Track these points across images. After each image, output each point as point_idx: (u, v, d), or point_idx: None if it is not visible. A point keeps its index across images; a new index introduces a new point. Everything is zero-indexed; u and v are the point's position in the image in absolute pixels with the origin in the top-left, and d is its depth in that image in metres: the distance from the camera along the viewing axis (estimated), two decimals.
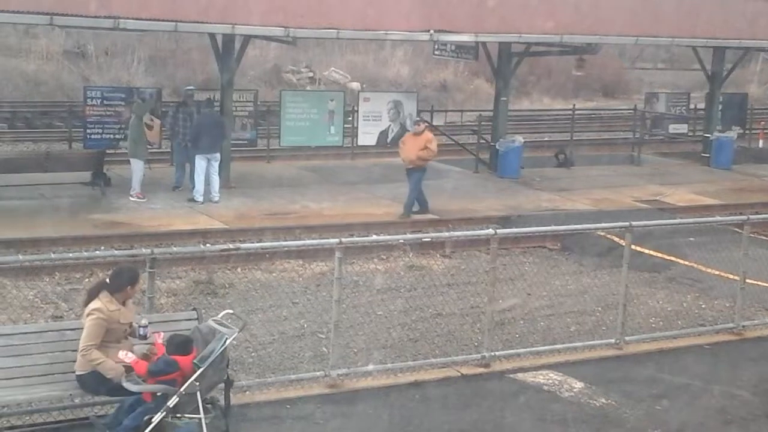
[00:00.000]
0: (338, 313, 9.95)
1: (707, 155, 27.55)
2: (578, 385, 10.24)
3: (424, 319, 12.72)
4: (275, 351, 11.34)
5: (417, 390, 9.93)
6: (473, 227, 17.55)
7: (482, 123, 26.38)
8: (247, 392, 9.57)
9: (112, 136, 21.46)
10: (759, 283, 13.86)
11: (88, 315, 8.30)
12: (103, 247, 15.29)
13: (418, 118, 20.65)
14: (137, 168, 19.58)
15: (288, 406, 9.35)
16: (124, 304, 8.45)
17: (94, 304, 8.35)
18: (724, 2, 25.85)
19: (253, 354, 11.09)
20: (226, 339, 8.32)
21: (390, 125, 24.55)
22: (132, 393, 8.21)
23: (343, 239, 10.20)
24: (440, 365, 10.65)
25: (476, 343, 11.47)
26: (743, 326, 12.27)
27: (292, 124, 23.40)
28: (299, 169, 23.94)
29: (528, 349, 11.29)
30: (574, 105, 30.90)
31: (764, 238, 17.69)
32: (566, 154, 26.21)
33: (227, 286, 13.93)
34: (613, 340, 11.48)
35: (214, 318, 8.64)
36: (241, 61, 21.82)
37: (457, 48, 25.82)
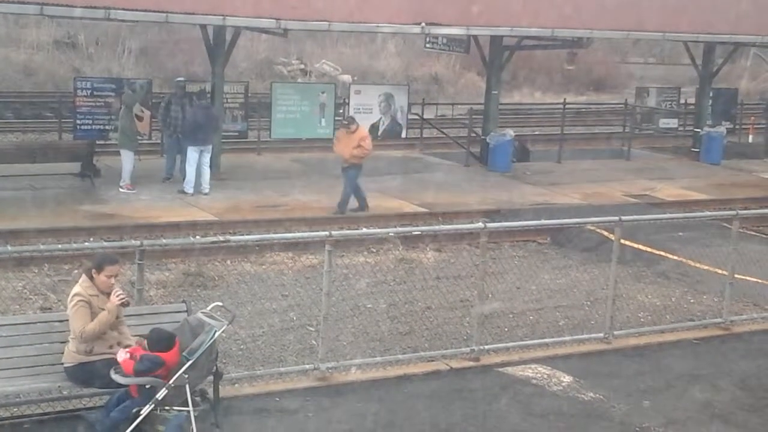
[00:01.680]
0: (327, 306, 9.95)
1: (697, 150, 27.63)
2: (567, 379, 10.27)
3: (413, 312, 12.73)
4: (264, 344, 11.34)
5: (406, 383, 9.94)
6: (463, 221, 17.58)
7: (473, 116, 26.39)
8: (236, 385, 9.58)
9: (102, 127, 21.42)
10: (747, 278, 13.89)
11: (70, 302, 8.32)
12: (92, 239, 15.26)
13: (350, 117, 20.12)
14: (127, 159, 19.54)
15: (277, 399, 9.35)
16: (108, 295, 8.40)
17: (74, 290, 8.40)
18: None
19: (242, 347, 11.09)
20: (215, 331, 8.31)
21: (381, 118, 24.55)
22: (120, 385, 8.21)
23: (333, 232, 10.20)
24: (429, 359, 10.67)
25: (465, 337, 11.48)
26: (731, 321, 12.31)
27: (282, 117, 23.40)
28: (290, 161, 23.93)
29: (517, 343, 11.31)
30: (564, 99, 30.93)
31: (753, 233, 17.77)
32: (526, 146, 26.12)
33: (217, 278, 13.91)
34: (601, 335, 11.50)
35: (203, 310, 8.63)
36: (232, 52, 21.81)
37: (448, 41, 25.81)
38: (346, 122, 19.11)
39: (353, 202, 18.78)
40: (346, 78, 37.44)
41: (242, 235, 15.64)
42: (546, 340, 11.47)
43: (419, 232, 15.70)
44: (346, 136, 18.67)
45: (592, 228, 16.62)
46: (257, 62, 39.64)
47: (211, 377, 8.54)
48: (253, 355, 10.90)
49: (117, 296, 8.30)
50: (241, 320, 11.16)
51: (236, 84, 24.53)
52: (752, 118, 32.11)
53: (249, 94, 24.31)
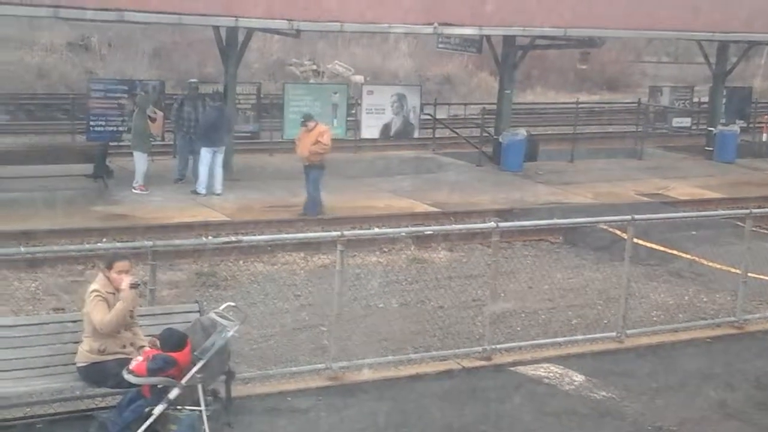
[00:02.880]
0: (339, 306, 9.96)
1: (711, 149, 27.51)
2: (579, 378, 10.24)
3: (425, 311, 12.72)
4: (276, 343, 11.34)
5: (418, 383, 9.93)
6: (475, 220, 17.56)
7: (485, 116, 26.35)
8: (249, 384, 9.58)
9: (115, 128, 21.49)
10: (761, 277, 13.82)
11: (88, 297, 8.40)
12: (105, 239, 15.31)
13: (308, 114, 19.54)
14: (140, 160, 19.59)
15: (289, 399, 9.36)
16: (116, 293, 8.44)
17: (91, 286, 8.48)
18: None
19: (254, 346, 11.09)
20: (228, 331, 8.33)
21: (393, 118, 24.55)
22: (133, 385, 8.23)
23: (345, 232, 10.20)
24: (441, 358, 10.65)
25: (477, 336, 11.46)
26: (745, 320, 12.26)
27: (295, 117, 23.36)
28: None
29: (529, 342, 11.28)
30: (577, 98, 30.85)
31: (766, 231, 17.66)
32: (535, 145, 25.83)
33: (229, 278, 13.94)
34: (614, 334, 11.47)
35: (216, 310, 8.65)
36: (245, 53, 21.84)
37: (460, 41, 25.77)
38: (303, 120, 18.96)
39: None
40: (359, 78, 37.44)
41: (254, 235, 15.65)
42: (558, 339, 11.45)
43: (431, 232, 15.68)
44: (305, 135, 18.51)
45: (605, 227, 16.56)
46: (270, 63, 39.67)
47: (223, 377, 8.55)
48: (266, 354, 10.91)
49: (128, 281, 8.33)
50: (253, 320, 11.16)
51: (249, 85, 24.55)
52: (766, 117, 31.92)
53: (261, 95, 24.34)
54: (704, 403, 9.77)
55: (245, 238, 13.30)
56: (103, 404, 8.76)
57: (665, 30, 25.44)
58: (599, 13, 23.29)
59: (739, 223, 15.14)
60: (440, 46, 27.56)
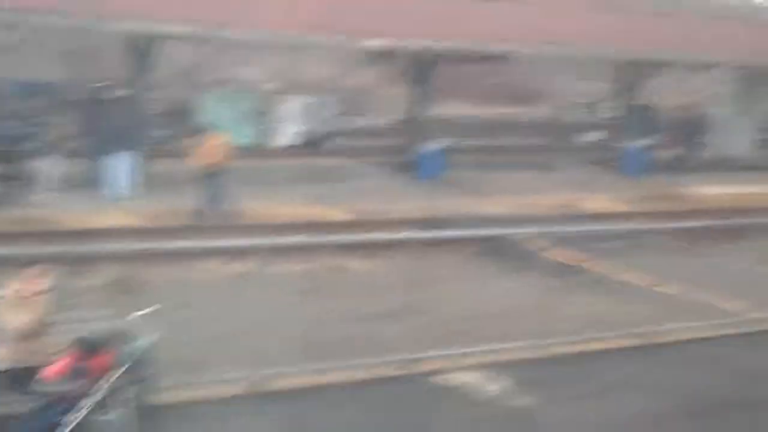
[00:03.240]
0: (260, 314, 9.85)
1: (620, 163, 28.12)
2: (499, 386, 10.31)
3: (345, 320, 12.67)
4: (196, 351, 11.15)
5: (338, 391, 9.88)
6: (395, 229, 17.59)
7: (402, 126, 26.46)
8: (171, 391, 9.40)
9: (23, 131, 20.92)
10: (672, 288, 14.15)
11: None
12: (15, 245, 14.88)
13: (204, 124, 19.81)
14: (51, 164, 19.16)
15: (208, 406, 9.21)
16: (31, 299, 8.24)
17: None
18: (632, 17, 26.54)
19: (173, 353, 10.87)
20: (147, 338, 8.21)
21: (308, 127, 24.50)
22: (49, 392, 8.01)
23: (264, 240, 10.12)
24: (363, 366, 10.61)
25: (399, 345, 11.45)
26: (657, 331, 12.51)
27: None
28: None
29: (450, 351, 11.31)
30: (492, 112, 31.23)
31: (675, 244, 18.12)
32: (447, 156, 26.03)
33: (145, 285, 13.68)
34: (533, 342, 11.58)
35: (134, 317, 8.49)
36: (157, 59, 21.54)
37: (375, 53, 25.85)
38: (199, 129, 18.83)
39: (207, 206, 18.37)
40: (271, 87, 37.24)
41: (170, 241, 15.41)
42: (478, 348, 11.50)
43: (351, 241, 15.67)
44: (205, 143, 18.40)
45: (521, 238, 16.77)
46: (182, 69, 39.18)
47: (142, 383, 8.39)
48: (185, 362, 10.71)
49: (38, 288, 8.15)
50: (171, 327, 10.97)
51: (160, 90, 24.22)
52: (670, 134, 32.78)
53: (173, 101, 24.03)
54: (621, 412, 9.91)
55: (161, 244, 13.09)
56: (14, 412, 8.48)
57: (577, 48, 25.94)
58: (512, 30, 23.65)
59: (649, 235, 15.56)
60: (354, 57, 27.64)
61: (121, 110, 20.07)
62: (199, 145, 18.52)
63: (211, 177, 18.30)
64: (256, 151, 24.72)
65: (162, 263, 14.76)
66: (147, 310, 8.60)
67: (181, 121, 25.12)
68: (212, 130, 18.49)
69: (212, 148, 18.16)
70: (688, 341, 12.53)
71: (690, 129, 29.66)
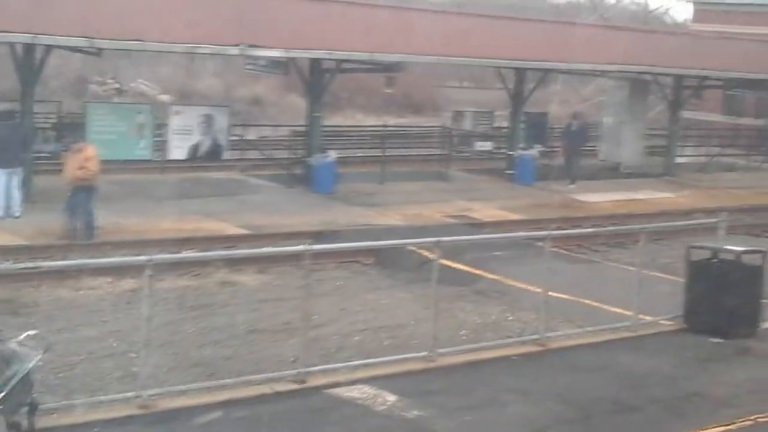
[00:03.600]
0: (149, 332, 9.68)
1: (511, 172, 28.59)
2: (392, 398, 10.34)
3: (237, 335, 12.57)
4: (83, 371, 10.92)
5: (231, 409, 9.77)
6: (287, 242, 17.53)
7: (295, 138, 26.40)
8: (54, 415, 9.15)
9: None
10: (560, 295, 14.41)
11: None
12: None
13: (76, 136, 19.55)
14: None
15: (96, 429, 9.00)
16: None
17: None
18: (523, 26, 27.10)
19: (59, 375, 10.64)
20: (30, 361, 7.96)
21: (201, 139, 24.22)
22: None
23: (153, 256, 9.96)
24: (255, 382, 10.53)
25: (291, 359, 11.40)
26: (547, 337, 12.73)
27: (98, 137, 22.66)
28: (107, 183, 23.12)
29: (343, 364, 11.32)
30: (385, 121, 31.40)
31: (565, 251, 18.50)
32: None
33: (31, 305, 13.33)
34: (425, 353, 11.66)
35: (16, 339, 8.24)
36: (43, 71, 21.03)
37: (268, 62, 25.75)
38: (71, 141, 18.45)
39: (75, 222, 17.98)
40: (165, 98, 36.78)
41: (57, 260, 15.04)
42: (371, 360, 11.53)
43: (242, 255, 15.53)
44: (72, 157, 18.06)
45: (414, 248, 16.87)
46: (70, 81, 38.38)
47: (26, 408, 8.14)
48: (72, 383, 10.48)
49: None
50: (58, 348, 10.72)
51: (48, 103, 23.65)
52: (560, 141, 33.46)
53: (62, 114, 23.49)
54: (511, 419, 10.05)
55: (46, 263, 12.79)
56: None
57: (468, 57, 26.31)
58: (405, 40, 23.85)
59: (539, 243, 15.80)
60: (247, 67, 27.46)
61: (4, 125, 19.48)
62: (68, 159, 18.02)
63: (80, 191, 17.82)
64: (149, 164, 24.32)
65: (48, 282, 14.39)
66: (26, 334, 8.34)
67: (72, 135, 24.51)
68: (82, 143, 18.01)
69: (80, 161, 17.70)
70: (578, 346, 12.80)
71: (580, 137, 30.31)
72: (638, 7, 62.32)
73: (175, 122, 24.01)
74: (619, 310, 14.14)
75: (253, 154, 27.10)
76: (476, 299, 15.43)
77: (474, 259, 17.12)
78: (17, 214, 18.72)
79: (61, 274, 14.32)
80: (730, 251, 13.62)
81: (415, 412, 10.01)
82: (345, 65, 24.74)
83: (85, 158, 17.79)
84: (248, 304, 13.81)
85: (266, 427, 9.39)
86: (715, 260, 13.57)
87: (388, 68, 25.49)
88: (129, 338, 11.73)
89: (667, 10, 72.54)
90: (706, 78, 32.52)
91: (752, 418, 10.26)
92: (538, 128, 31.62)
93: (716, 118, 41.23)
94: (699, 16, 45.81)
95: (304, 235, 18.48)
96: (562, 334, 13.17)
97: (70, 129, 24.21)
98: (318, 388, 10.50)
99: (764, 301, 13.64)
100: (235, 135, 26.46)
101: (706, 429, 9.93)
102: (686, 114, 34.94)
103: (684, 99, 33.16)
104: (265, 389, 10.37)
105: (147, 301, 9.61)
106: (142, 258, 9.82)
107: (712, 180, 31.79)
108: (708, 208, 23.89)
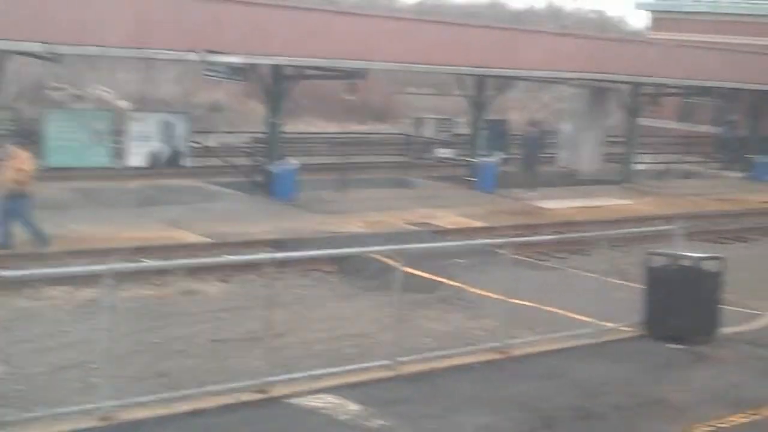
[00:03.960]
0: (109, 342, 9.58)
1: (473, 179, 28.70)
2: (355, 407, 10.31)
3: (200, 345, 12.48)
4: (42, 383, 10.78)
5: (195, 419, 9.68)
6: (249, 250, 17.44)
7: (256, 145, 26.30)
8: (9, 429, 9.03)
9: None
10: (521, 302, 14.47)
11: None
12: None
13: (7, 142, 19.43)
14: None
15: None
16: None
17: None
18: (483, 33, 27.25)
19: (18, 387, 10.49)
20: None
21: (161, 146, 24.07)
22: None
23: (114, 265, 9.85)
24: (218, 392, 10.45)
25: (254, 369, 11.33)
26: (509, 345, 12.77)
27: (56, 144, 22.45)
28: (66, 191, 22.96)
29: (306, 374, 11.25)
30: (346, 128, 31.40)
31: (526, 258, 18.58)
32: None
33: None
34: (388, 362, 11.65)
35: None
36: (2, 77, 20.79)
37: (227, 69, 25.64)
38: (2, 147, 18.25)
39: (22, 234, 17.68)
40: (124, 104, 36.46)
41: (13, 269, 14.81)
42: (334, 369, 11.48)
43: (204, 264, 15.42)
44: (4, 164, 17.78)
45: (376, 256, 16.87)
46: (27, 87, 37.90)
47: None
48: (30, 395, 10.33)
49: None
50: (15, 359, 10.58)
51: (3, 110, 23.37)
52: (521, 148, 33.69)
53: (19, 121, 23.22)
54: (473, 428, 10.07)
55: (2, 272, 12.58)
56: None
57: (428, 64, 26.40)
58: (366, 47, 23.89)
59: (500, 250, 15.85)
60: (206, 73, 27.33)
61: None
62: (2, 167, 17.74)
63: (14, 199, 17.57)
64: (108, 171, 24.11)
65: (4, 293, 14.19)
66: None
67: (29, 142, 24.24)
68: (17, 149, 17.76)
69: (14, 167, 17.45)
70: (540, 354, 12.86)
71: (540, 144, 30.53)
72: (596, 15, 62.96)
73: (133, 129, 23.83)
74: (580, 317, 14.23)
75: (213, 161, 26.96)
76: (439, 307, 15.45)
77: (436, 267, 17.13)
78: None
79: (18, 284, 14.13)
80: (688, 258, 13.76)
81: (379, 422, 9.99)
82: (306, 72, 24.72)
83: (20, 162, 17.52)
84: (211, 313, 13.71)
85: None
86: (673, 267, 13.70)
87: (350, 75, 25.50)
88: (89, 349, 11.59)
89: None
90: (663, 86, 32.90)
91: (712, 423, 10.37)
92: (498, 135, 31.80)
93: (674, 125, 41.73)
94: (656, 24, 46.36)
95: (266, 243, 18.42)
96: (524, 342, 13.22)
97: (30, 136, 23.99)
98: (281, 398, 10.44)
99: (722, 307, 13.79)
100: (195, 142, 26.31)
101: None
102: (644, 121, 35.30)
103: (641, 106, 33.51)
104: (229, 399, 10.29)
105: (107, 311, 9.51)
106: (102, 267, 9.71)
107: (671, 187, 32.15)
108: (666, 215, 24.13)
